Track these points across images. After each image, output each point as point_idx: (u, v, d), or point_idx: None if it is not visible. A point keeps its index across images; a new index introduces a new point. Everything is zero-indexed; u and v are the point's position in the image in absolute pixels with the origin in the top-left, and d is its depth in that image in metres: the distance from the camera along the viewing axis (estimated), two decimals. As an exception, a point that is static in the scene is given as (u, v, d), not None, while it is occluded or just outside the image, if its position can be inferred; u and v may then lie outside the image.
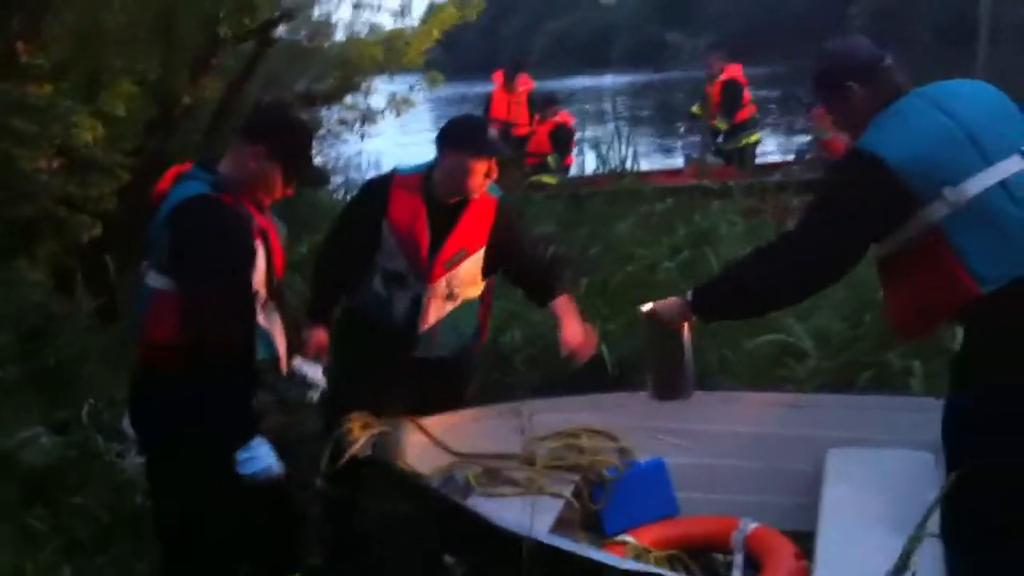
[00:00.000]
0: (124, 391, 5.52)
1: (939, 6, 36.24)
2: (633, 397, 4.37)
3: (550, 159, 11.00)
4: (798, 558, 3.49)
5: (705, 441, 4.22)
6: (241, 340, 3.27)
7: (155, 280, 3.32)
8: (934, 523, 3.27)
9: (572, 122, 11.46)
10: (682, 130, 13.17)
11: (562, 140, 11.09)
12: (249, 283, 3.29)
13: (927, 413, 3.83)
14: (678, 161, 12.56)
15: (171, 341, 3.26)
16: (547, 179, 10.65)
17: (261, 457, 3.29)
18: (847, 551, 3.31)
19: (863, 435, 4.01)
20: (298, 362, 3.58)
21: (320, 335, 4.12)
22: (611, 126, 9.90)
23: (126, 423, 5.25)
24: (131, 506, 4.68)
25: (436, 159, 4.06)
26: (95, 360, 5.88)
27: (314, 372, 3.59)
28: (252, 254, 3.30)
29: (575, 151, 11.30)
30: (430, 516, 3.83)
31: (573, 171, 11.06)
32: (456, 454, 4.13)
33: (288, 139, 3.40)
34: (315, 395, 3.60)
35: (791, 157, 12.14)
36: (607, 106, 23.29)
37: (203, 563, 3.51)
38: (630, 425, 4.28)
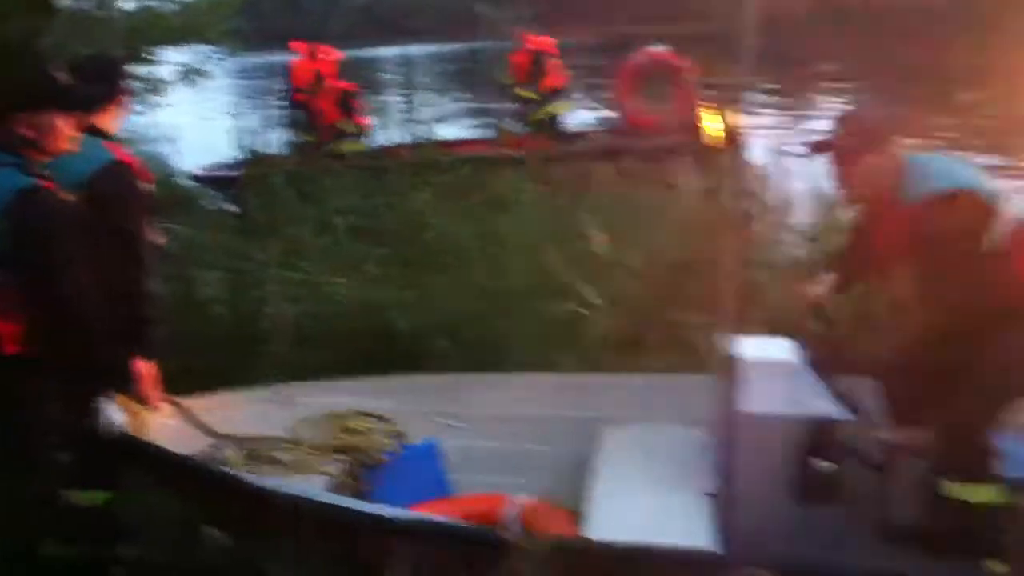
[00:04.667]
0: None
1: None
2: (410, 379, 4.34)
3: (345, 126, 10.71)
4: (571, 524, 3.49)
5: (482, 424, 4.19)
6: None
7: None
8: (705, 481, 3.45)
9: (355, 87, 11.13)
10: (491, 100, 13.18)
11: (348, 104, 10.79)
12: None
13: (694, 390, 3.95)
14: (487, 131, 12.53)
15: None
16: (350, 147, 10.40)
17: None
18: (617, 512, 3.36)
19: (635, 413, 4.09)
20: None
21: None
22: (413, 95, 9.83)
23: None
24: None
25: None
26: None
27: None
28: None
29: (368, 114, 11.07)
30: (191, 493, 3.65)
31: (375, 142, 10.85)
32: (217, 435, 3.91)
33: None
34: None
35: (596, 127, 12.36)
36: (411, 76, 23.10)
37: None
38: (405, 408, 4.21)
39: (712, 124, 9.86)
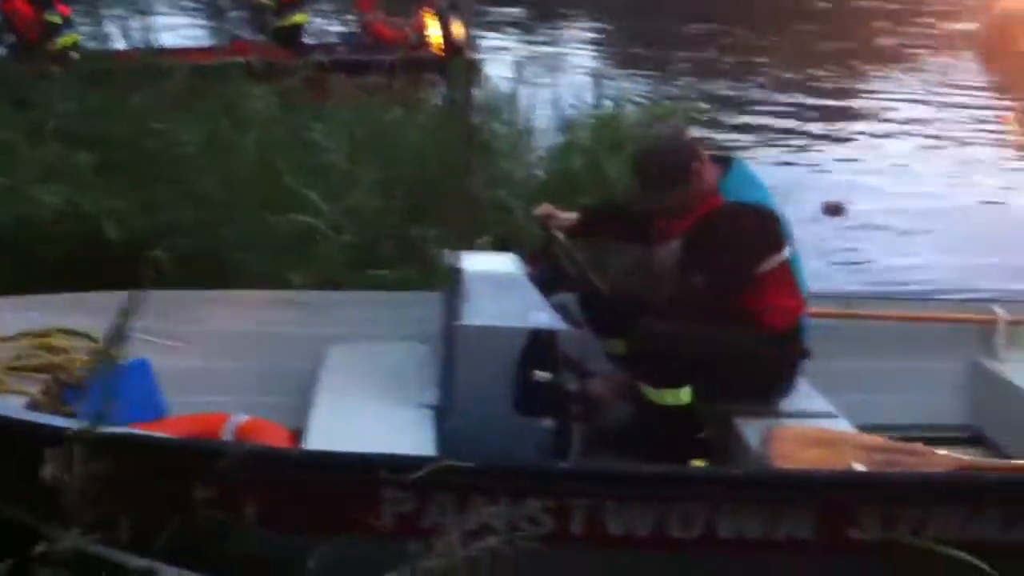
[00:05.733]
0: None
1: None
2: (123, 295, 4.08)
3: (51, 17, 9.82)
4: (291, 441, 3.42)
5: (198, 342, 4.01)
6: None
7: None
8: (431, 395, 3.50)
9: None
10: (228, 7, 12.57)
11: None
12: None
13: (423, 307, 3.99)
14: (221, 39, 11.91)
15: None
16: (65, 41, 9.57)
17: None
18: (337, 429, 3.31)
19: (362, 330, 4.04)
20: None
21: None
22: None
23: None
24: None
25: None
26: None
27: None
28: None
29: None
30: None
31: (103, 47, 10.01)
32: None
33: None
34: None
35: (337, 39, 12.05)
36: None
37: None
38: None
39: (448, 39, 9.84)
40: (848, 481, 3.10)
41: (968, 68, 15.43)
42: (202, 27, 12.33)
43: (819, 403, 3.76)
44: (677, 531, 2.98)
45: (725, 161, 3.64)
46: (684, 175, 3.45)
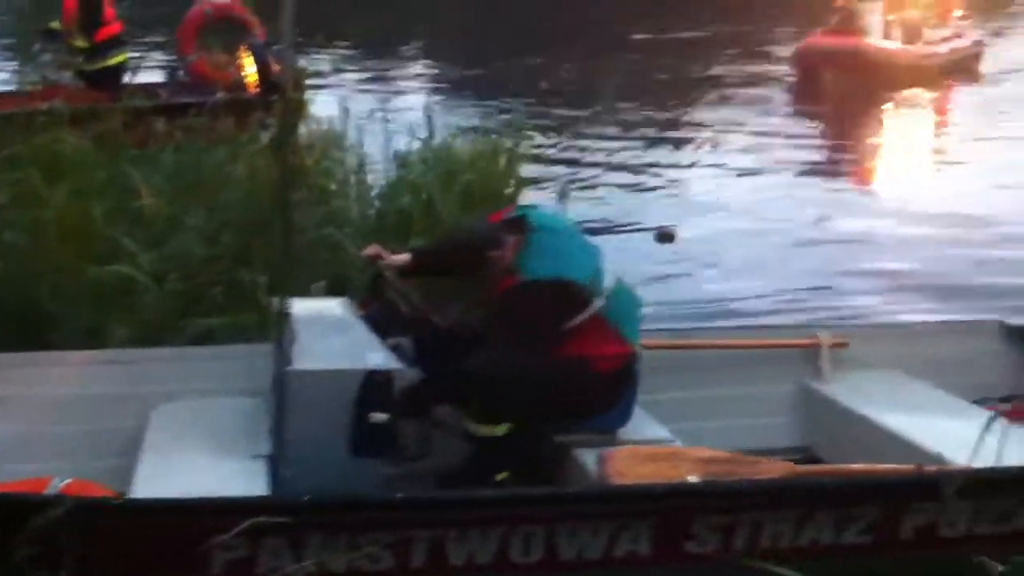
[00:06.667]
0: None
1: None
2: None
3: None
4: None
5: (16, 407, 3.80)
6: None
7: None
8: (263, 447, 3.41)
9: None
10: (37, 48, 12.01)
11: None
12: None
13: (252, 360, 3.91)
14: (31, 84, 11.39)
15: None
16: None
17: None
18: (163, 489, 3.17)
19: (190, 387, 3.93)
20: None
21: None
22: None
23: None
24: None
25: None
26: None
27: None
28: None
29: None
30: None
31: None
32: None
33: None
34: None
35: (158, 80, 11.70)
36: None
37: None
38: None
39: (266, 77, 9.71)
40: (683, 491, 3.15)
41: (781, 99, 16.20)
42: (11, 71, 11.77)
43: (656, 431, 3.81)
44: (518, 556, 2.99)
45: (528, 233, 3.76)
46: (481, 263, 3.72)
